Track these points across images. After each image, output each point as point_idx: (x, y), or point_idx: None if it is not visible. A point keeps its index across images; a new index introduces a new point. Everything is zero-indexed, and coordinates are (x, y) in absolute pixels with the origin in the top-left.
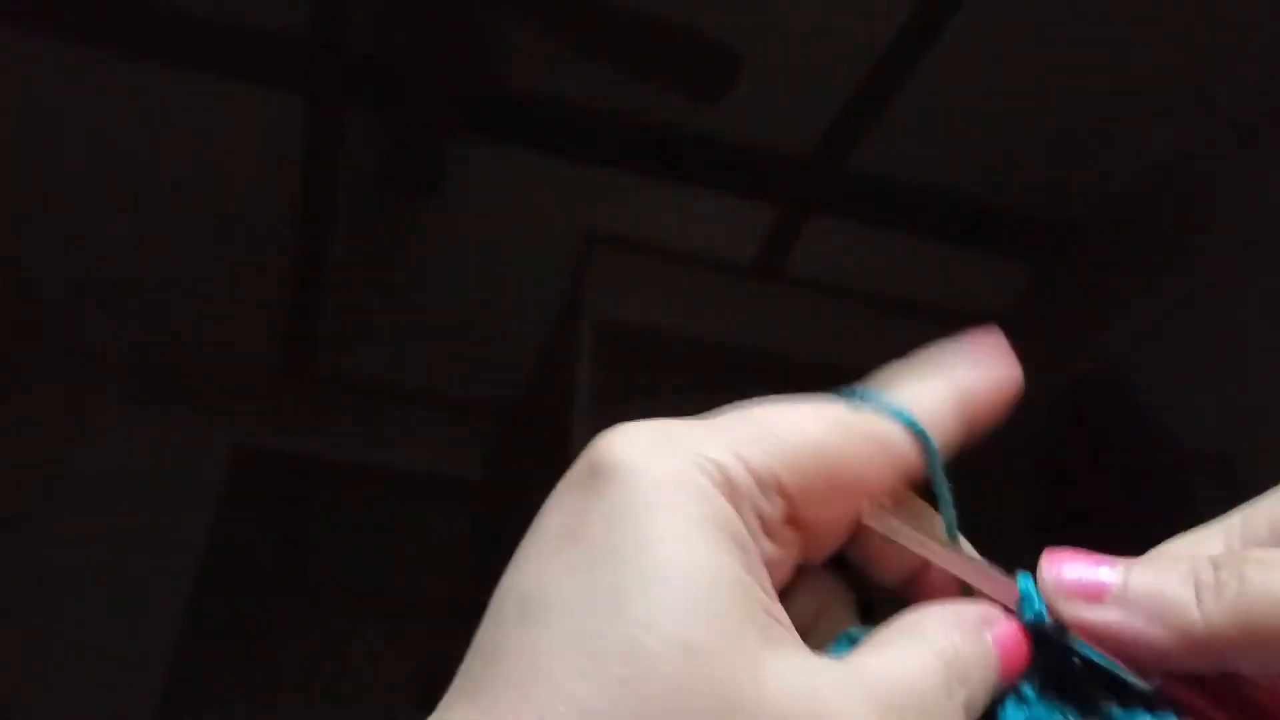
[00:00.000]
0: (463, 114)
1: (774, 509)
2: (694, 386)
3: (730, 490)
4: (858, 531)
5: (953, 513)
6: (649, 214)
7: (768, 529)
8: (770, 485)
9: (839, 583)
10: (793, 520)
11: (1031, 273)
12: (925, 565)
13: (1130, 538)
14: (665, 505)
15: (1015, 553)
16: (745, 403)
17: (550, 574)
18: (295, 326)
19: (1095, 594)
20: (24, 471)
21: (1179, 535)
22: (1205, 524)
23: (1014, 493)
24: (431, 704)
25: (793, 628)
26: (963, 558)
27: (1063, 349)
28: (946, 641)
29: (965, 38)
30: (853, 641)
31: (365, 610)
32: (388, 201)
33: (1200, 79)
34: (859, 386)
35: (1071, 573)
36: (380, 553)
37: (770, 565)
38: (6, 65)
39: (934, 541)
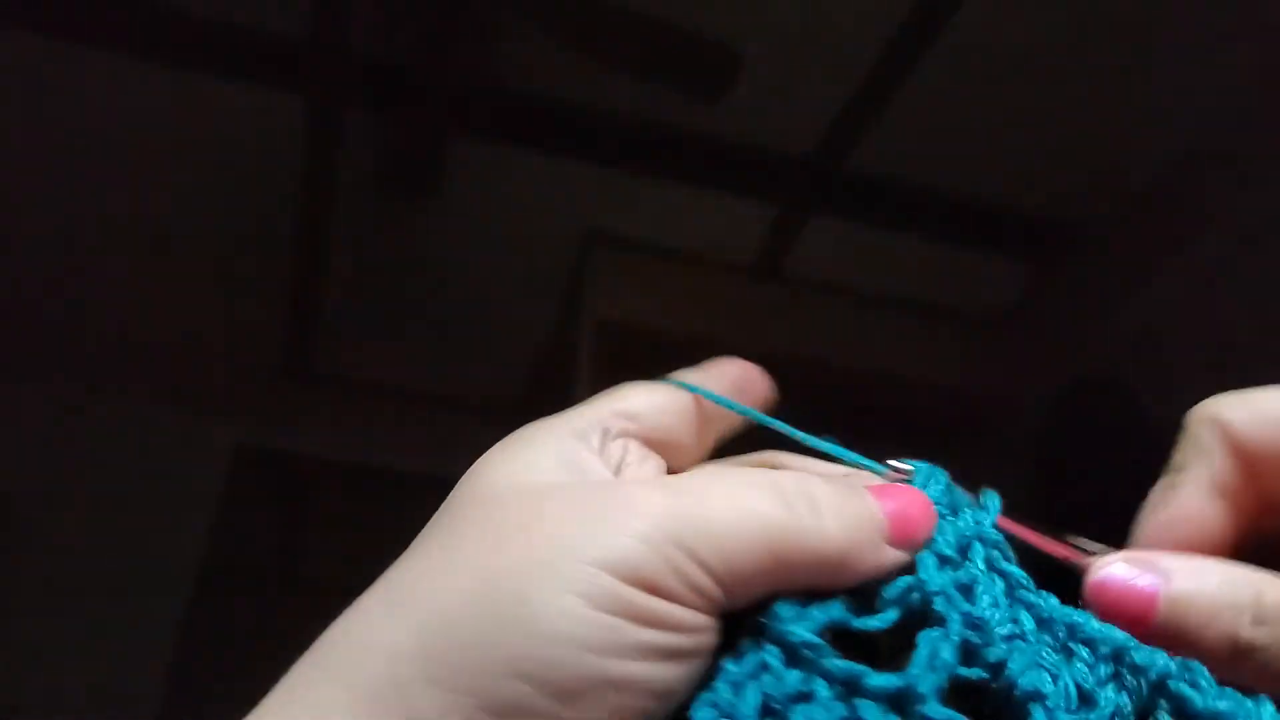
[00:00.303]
0: (463, 114)
1: (623, 427)
2: None
3: (574, 428)
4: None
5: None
6: (649, 214)
7: (618, 434)
8: (615, 421)
9: None
10: (657, 442)
11: (1031, 273)
12: None
13: (1131, 538)
14: (512, 450)
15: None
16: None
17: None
18: (295, 326)
19: (1139, 618)
20: (23, 471)
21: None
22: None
23: (1014, 492)
24: None
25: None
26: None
27: (1063, 349)
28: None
29: (965, 38)
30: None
31: None
32: (388, 201)
33: (1199, 79)
34: (674, 377)
35: (1115, 577)
36: (380, 553)
37: (630, 459)
38: (6, 65)
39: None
